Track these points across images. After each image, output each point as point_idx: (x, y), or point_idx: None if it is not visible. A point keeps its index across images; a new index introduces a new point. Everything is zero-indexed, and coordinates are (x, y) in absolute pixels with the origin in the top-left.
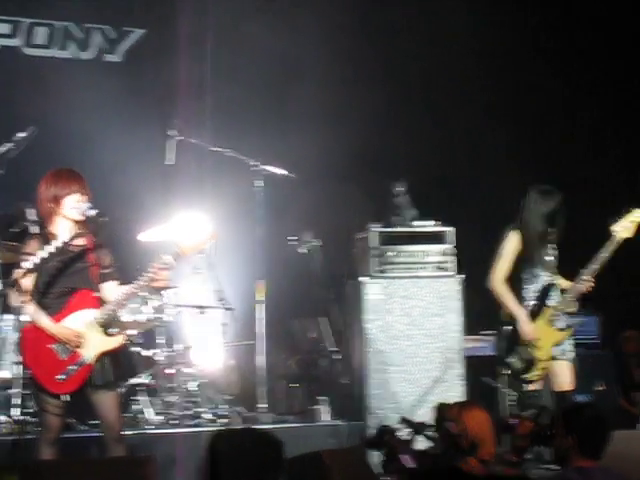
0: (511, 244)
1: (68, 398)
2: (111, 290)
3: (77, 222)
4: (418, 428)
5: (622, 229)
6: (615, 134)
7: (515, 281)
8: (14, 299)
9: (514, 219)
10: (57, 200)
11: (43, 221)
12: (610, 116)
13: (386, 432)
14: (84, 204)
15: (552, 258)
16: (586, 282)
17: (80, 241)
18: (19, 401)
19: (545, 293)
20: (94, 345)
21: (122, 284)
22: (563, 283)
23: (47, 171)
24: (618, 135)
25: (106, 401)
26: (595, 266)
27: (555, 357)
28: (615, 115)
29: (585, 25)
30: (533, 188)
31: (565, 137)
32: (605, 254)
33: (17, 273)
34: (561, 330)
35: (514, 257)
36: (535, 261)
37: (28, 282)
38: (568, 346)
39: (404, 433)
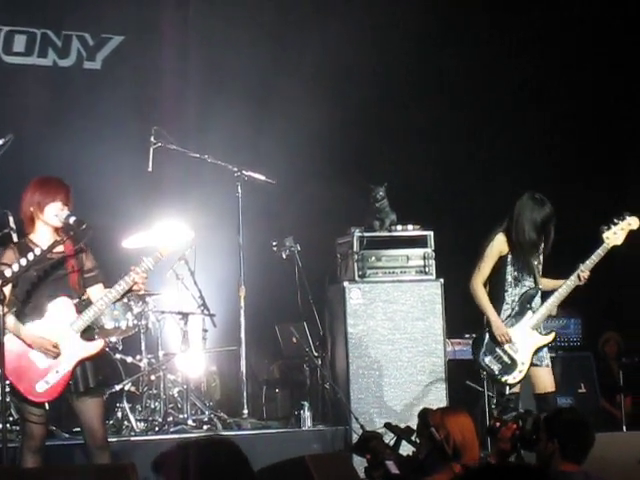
0: (497, 247)
1: (47, 407)
2: (98, 293)
3: (56, 229)
4: (402, 433)
5: (614, 236)
6: (603, 139)
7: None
8: None
9: (500, 222)
10: (40, 206)
11: (22, 226)
12: (598, 119)
13: (370, 437)
14: (64, 211)
15: (537, 264)
16: (583, 274)
17: (59, 248)
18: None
19: (529, 298)
20: (73, 352)
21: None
22: (550, 283)
23: (24, 179)
24: (607, 140)
25: (89, 408)
26: (588, 265)
27: (533, 363)
28: (603, 118)
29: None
30: (527, 194)
31: (549, 139)
32: (594, 260)
33: None
34: (545, 335)
35: (497, 260)
36: (522, 266)
37: (6, 291)
38: (544, 353)
39: (388, 438)
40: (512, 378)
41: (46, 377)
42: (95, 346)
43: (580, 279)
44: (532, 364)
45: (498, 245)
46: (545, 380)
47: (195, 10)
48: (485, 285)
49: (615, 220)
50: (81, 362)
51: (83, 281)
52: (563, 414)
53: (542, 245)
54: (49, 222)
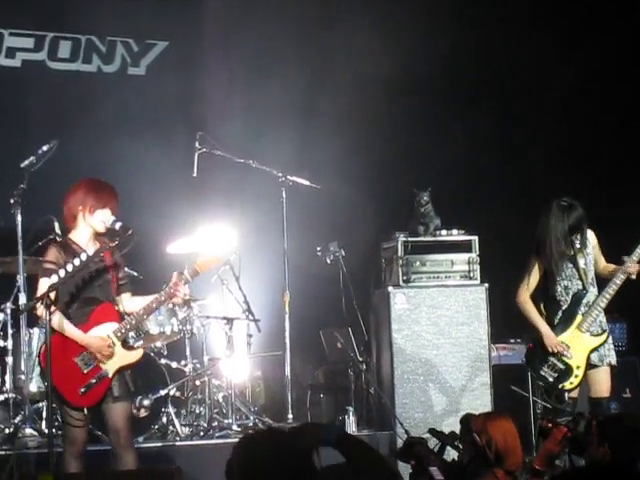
0: (534, 268)
1: (86, 412)
2: (126, 301)
3: (98, 234)
4: (446, 439)
5: None
6: None
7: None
8: (41, 312)
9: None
10: (91, 209)
11: (64, 224)
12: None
13: (415, 443)
14: (111, 217)
15: (583, 265)
16: (630, 268)
17: (102, 255)
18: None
19: (577, 300)
20: (114, 359)
21: (146, 294)
22: (611, 267)
23: (69, 185)
24: None
25: (117, 410)
26: (634, 259)
27: (594, 364)
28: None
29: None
30: (552, 203)
31: (593, 142)
32: (637, 256)
33: (44, 287)
34: (596, 335)
35: (539, 275)
36: (561, 277)
37: (53, 294)
38: (606, 351)
39: (432, 444)
40: (569, 384)
41: (88, 382)
42: (135, 355)
43: (629, 273)
44: (591, 366)
45: (533, 266)
46: (601, 384)
47: (238, 14)
48: (539, 298)
49: None
50: (121, 370)
51: (118, 289)
52: (619, 419)
53: (578, 245)
54: (95, 226)
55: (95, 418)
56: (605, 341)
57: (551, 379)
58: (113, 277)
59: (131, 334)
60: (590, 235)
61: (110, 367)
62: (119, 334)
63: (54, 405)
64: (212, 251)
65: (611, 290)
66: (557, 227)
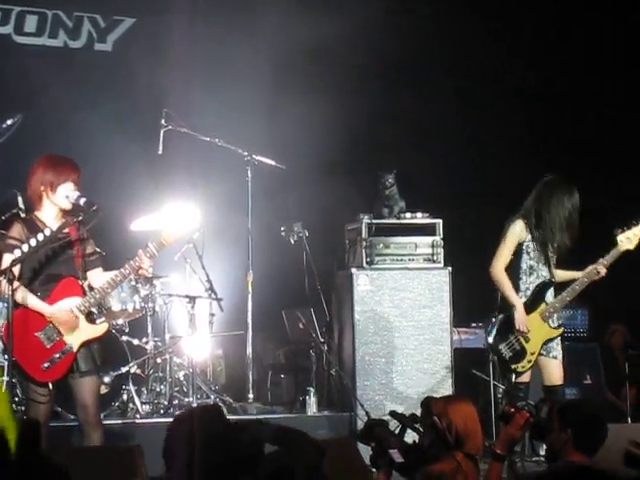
0: (517, 232)
1: (51, 387)
2: (96, 277)
3: (63, 210)
4: (407, 421)
5: (627, 240)
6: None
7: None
8: (2, 287)
9: (521, 205)
10: (52, 186)
11: (29, 203)
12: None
13: (375, 425)
14: (75, 192)
15: (552, 256)
16: (602, 268)
17: (66, 230)
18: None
19: (543, 288)
20: (79, 333)
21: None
22: (565, 274)
23: (34, 159)
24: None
25: (85, 386)
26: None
27: (541, 354)
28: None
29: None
30: (558, 177)
31: (562, 128)
32: (609, 260)
33: (7, 262)
34: (554, 328)
35: (516, 246)
36: (538, 255)
37: (16, 268)
38: (555, 344)
39: (393, 426)
40: (520, 367)
41: (51, 357)
42: (100, 329)
43: (599, 273)
44: (540, 354)
45: (517, 231)
46: (553, 372)
47: None
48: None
49: (630, 224)
50: (85, 344)
51: (84, 265)
52: (579, 405)
53: (559, 236)
54: (59, 203)
55: (56, 394)
56: (558, 335)
57: (506, 357)
58: (78, 253)
59: (93, 310)
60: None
61: (74, 341)
62: (82, 308)
63: (14, 380)
64: (178, 224)
65: (577, 287)
66: (563, 201)
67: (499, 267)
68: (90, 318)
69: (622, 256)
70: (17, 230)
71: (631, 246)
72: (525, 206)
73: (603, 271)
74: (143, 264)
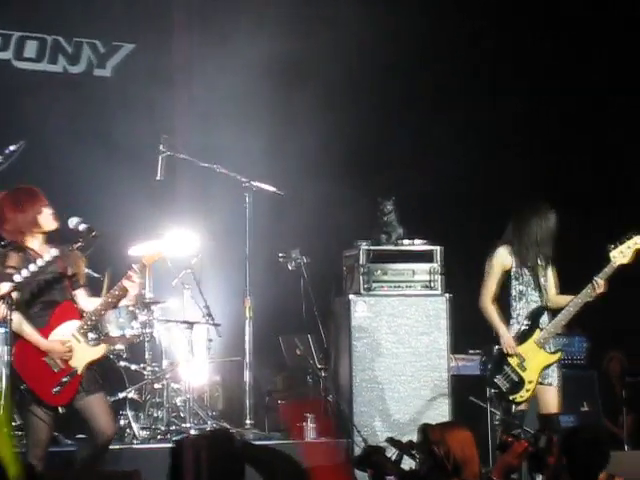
0: (500, 260)
1: (60, 411)
2: (81, 297)
3: (45, 233)
4: (404, 448)
5: (620, 255)
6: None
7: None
8: (2, 313)
9: (504, 234)
10: (34, 223)
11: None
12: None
13: (373, 452)
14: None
15: (543, 281)
16: (599, 287)
17: (54, 253)
18: None
19: (536, 315)
20: (82, 356)
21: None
22: (562, 300)
23: (35, 185)
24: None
25: (95, 402)
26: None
27: (540, 382)
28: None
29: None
30: (536, 202)
31: (558, 154)
32: (602, 278)
33: (6, 287)
34: (551, 353)
35: (502, 273)
36: (527, 280)
37: (15, 296)
38: (550, 371)
39: (390, 453)
40: (519, 397)
41: (59, 381)
42: (100, 350)
43: (595, 289)
44: (539, 382)
45: (500, 259)
46: (549, 400)
47: (204, 18)
48: (493, 302)
49: (622, 239)
50: (88, 365)
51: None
52: (575, 432)
53: (544, 261)
54: (49, 228)
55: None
56: (557, 360)
57: (503, 389)
58: (67, 276)
59: (90, 335)
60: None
61: (79, 364)
62: (82, 330)
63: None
64: (156, 245)
65: (572, 310)
66: (541, 226)
67: (485, 298)
68: (88, 340)
69: (617, 273)
70: (15, 259)
71: (625, 260)
72: (505, 234)
73: (602, 285)
74: (128, 285)
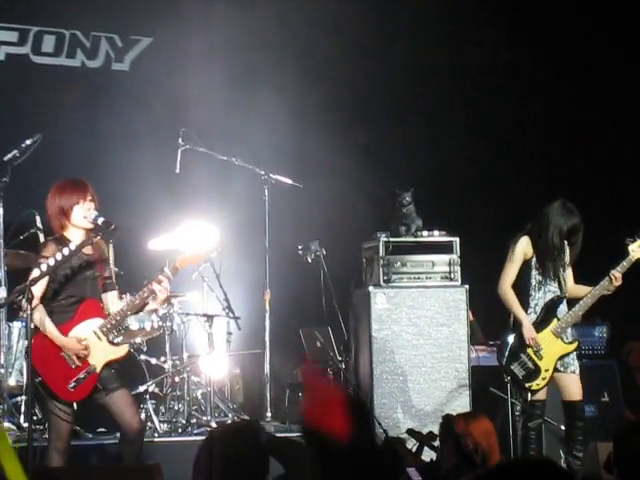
0: (521, 249)
1: (75, 406)
2: (111, 300)
3: (88, 231)
4: (424, 439)
5: (638, 249)
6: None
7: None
8: (23, 306)
9: (526, 224)
10: (65, 212)
11: (53, 230)
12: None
13: (393, 443)
14: (92, 212)
15: (563, 272)
16: (616, 280)
17: (89, 251)
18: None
19: (553, 304)
20: (101, 354)
21: (127, 292)
22: (580, 290)
23: (52, 179)
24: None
25: (117, 399)
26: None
27: (557, 369)
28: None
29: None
30: (559, 201)
31: (578, 149)
32: (619, 271)
33: (31, 276)
34: (568, 343)
35: (522, 263)
36: (546, 270)
37: (38, 289)
38: (571, 360)
39: (410, 444)
40: (535, 385)
41: (76, 377)
42: (121, 350)
43: (612, 282)
44: (556, 370)
45: (522, 248)
46: (572, 388)
47: (222, 10)
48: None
49: None
50: (107, 364)
51: (103, 286)
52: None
53: (567, 253)
54: (78, 224)
55: (77, 414)
56: (574, 350)
57: (520, 376)
58: (100, 275)
59: (115, 335)
60: (568, 252)
61: (98, 362)
62: (104, 329)
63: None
64: (193, 248)
65: (588, 301)
66: (560, 222)
67: (505, 285)
68: (111, 339)
69: (634, 266)
70: (51, 250)
71: None
72: (527, 227)
73: (619, 278)
74: (159, 289)
